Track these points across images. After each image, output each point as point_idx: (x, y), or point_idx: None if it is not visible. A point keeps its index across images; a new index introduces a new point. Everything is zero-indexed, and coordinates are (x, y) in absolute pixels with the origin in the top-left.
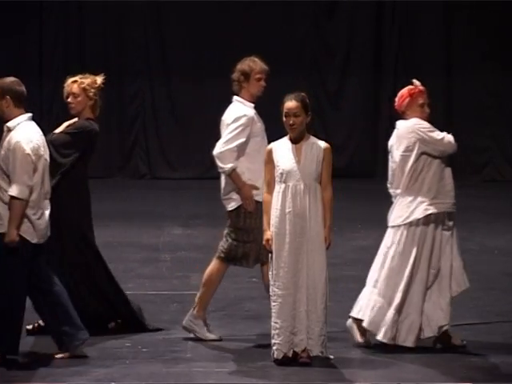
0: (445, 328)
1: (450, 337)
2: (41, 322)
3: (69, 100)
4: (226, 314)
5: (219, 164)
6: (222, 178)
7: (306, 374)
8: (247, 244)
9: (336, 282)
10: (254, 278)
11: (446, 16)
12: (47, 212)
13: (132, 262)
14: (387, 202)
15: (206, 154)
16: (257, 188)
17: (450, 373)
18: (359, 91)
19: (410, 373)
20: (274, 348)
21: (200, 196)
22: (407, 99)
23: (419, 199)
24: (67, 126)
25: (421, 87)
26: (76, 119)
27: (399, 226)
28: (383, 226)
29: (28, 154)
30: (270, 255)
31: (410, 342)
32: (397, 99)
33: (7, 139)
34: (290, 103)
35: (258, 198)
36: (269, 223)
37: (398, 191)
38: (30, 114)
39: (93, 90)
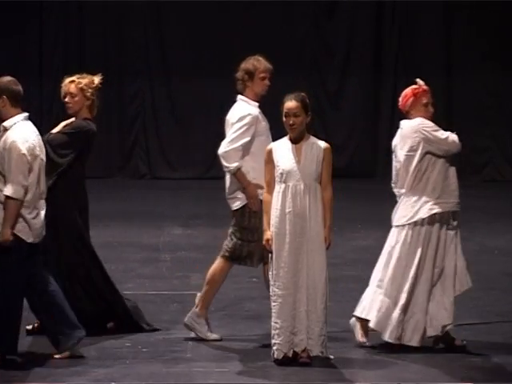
0: (448, 327)
1: (454, 338)
2: None
3: (66, 100)
4: (226, 314)
5: (224, 163)
6: (227, 177)
7: (306, 374)
8: (252, 243)
9: (336, 281)
10: (254, 278)
11: (446, 16)
12: (43, 212)
13: (132, 261)
14: (387, 201)
15: (206, 154)
16: (262, 187)
17: (450, 373)
18: (359, 91)
19: (411, 373)
20: (274, 348)
21: (200, 196)
22: (411, 99)
23: (424, 199)
24: (64, 126)
25: (425, 87)
26: (73, 119)
27: (404, 225)
28: (383, 226)
29: (23, 154)
30: (270, 255)
31: (415, 342)
32: (401, 99)
33: (3, 139)
34: (290, 103)
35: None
36: (269, 223)
37: (403, 191)
38: (26, 114)
39: (90, 90)
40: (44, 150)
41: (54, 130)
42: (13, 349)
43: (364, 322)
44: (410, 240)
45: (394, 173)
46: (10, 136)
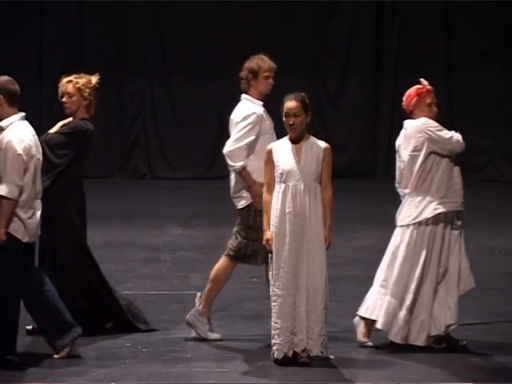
0: (452, 327)
1: (457, 340)
2: None
3: (63, 100)
4: (226, 314)
5: (229, 162)
6: (232, 176)
7: (306, 374)
8: (256, 242)
9: (336, 281)
10: (254, 278)
11: (446, 16)
12: (38, 212)
13: (132, 261)
14: (387, 201)
15: (206, 154)
16: None
17: (450, 373)
18: (359, 91)
19: (411, 373)
20: (274, 348)
21: (200, 196)
22: (415, 99)
23: (428, 199)
24: (62, 126)
25: (428, 86)
26: (71, 119)
27: (408, 225)
28: (383, 226)
29: (19, 154)
30: (270, 255)
31: (421, 341)
32: (404, 98)
33: None
34: (290, 103)
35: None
36: (269, 223)
37: (407, 191)
38: (23, 114)
39: (88, 90)
40: (40, 149)
41: (52, 130)
42: (11, 349)
43: (368, 321)
44: (415, 240)
45: (397, 173)
46: (6, 136)
